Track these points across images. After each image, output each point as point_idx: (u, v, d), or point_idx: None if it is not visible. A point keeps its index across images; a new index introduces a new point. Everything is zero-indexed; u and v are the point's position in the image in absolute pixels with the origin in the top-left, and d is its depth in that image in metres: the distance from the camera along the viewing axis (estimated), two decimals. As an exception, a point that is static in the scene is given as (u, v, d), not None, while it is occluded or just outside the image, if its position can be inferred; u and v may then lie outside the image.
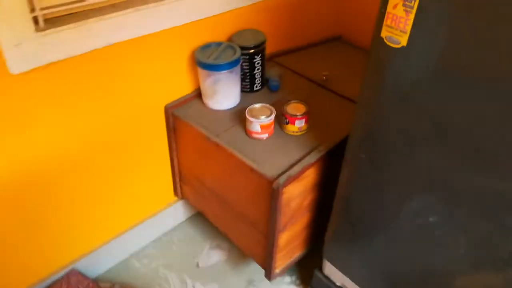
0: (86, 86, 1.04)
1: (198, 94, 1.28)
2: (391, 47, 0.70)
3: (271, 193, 0.98)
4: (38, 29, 0.90)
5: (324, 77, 1.33)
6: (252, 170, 1.02)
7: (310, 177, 1.04)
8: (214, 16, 1.21)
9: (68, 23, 0.94)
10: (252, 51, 1.21)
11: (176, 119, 1.22)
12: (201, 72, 1.18)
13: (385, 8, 0.69)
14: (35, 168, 1.04)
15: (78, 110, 1.05)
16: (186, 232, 1.52)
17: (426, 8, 0.63)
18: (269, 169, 1.01)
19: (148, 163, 1.30)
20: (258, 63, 1.24)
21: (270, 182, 0.98)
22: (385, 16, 0.69)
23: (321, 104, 1.21)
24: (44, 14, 0.92)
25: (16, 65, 0.89)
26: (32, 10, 0.89)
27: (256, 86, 1.29)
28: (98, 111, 1.10)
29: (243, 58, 1.21)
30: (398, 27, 0.68)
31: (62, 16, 0.97)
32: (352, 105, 1.23)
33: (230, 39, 1.27)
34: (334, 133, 1.11)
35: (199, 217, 1.56)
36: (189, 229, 1.53)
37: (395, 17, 0.68)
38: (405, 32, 0.67)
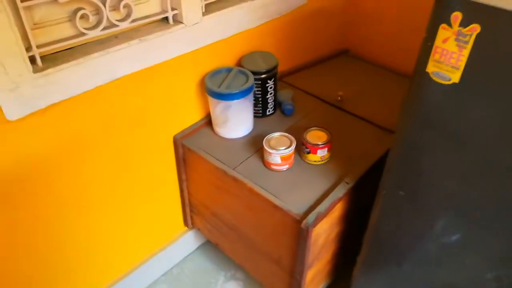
0: (91, 124, 0.96)
1: (207, 122, 1.20)
2: (439, 83, 0.64)
3: (298, 231, 0.91)
4: (35, 69, 0.82)
5: (339, 98, 1.26)
6: (275, 206, 0.94)
7: (337, 211, 0.97)
8: (221, 40, 1.14)
9: (69, 60, 0.86)
10: (264, 75, 1.14)
11: (186, 150, 1.14)
12: (212, 100, 1.11)
13: (433, 41, 0.62)
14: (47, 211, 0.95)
15: (86, 150, 0.97)
16: (198, 263, 1.44)
17: (484, 44, 0.57)
18: (294, 205, 0.94)
19: (157, 194, 1.22)
20: (271, 87, 1.17)
21: (297, 220, 0.90)
22: (433, 51, 0.62)
23: (339, 128, 1.15)
24: (42, 52, 0.83)
25: (13, 111, 0.80)
26: (28, 48, 0.80)
27: (269, 111, 1.22)
28: (105, 149, 1.01)
29: (255, 83, 1.13)
30: (449, 63, 0.61)
31: (61, 51, 0.88)
32: (372, 127, 1.16)
33: (239, 63, 1.20)
34: (358, 160, 1.04)
35: (210, 246, 1.48)
36: (200, 259, 1.45)
37: (445, 52, 0.61)
38: (457, 68, 0.61)
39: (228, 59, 1.21)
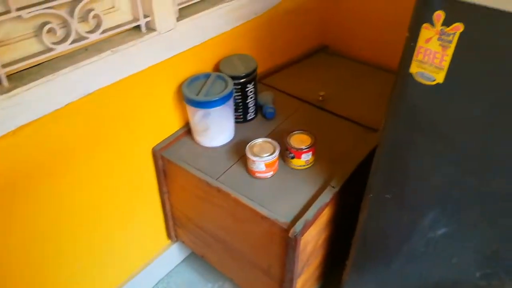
0: (65, 142, 0.91)
1: (187, 131, 1.17)
2: (423, 84, 0.62)
3: (286, 240, 0.89)
4: (2, 90, 0.77)
5: (321, 98, 1.24)
6: (261, 216, 0.92)
7: (325, 216, 0.96)
8: (197, 45, 1.10)
9: (37, 77, 0.81)
10: (243, 80, 1.11)
11: (166, 162, 1.10)
12: (190, 108, 1.07)
13: (416, 41, 0.60)
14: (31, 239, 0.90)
15: (60, 169, 0.92)
16: (184, 276, 1.41)
17: (468, 43, 0.56)
18: (281, 213, 0.91)
19: (138, 208, 1.18)
20: (251, 91, 1.14)
21: (285, 229, 0.88)
22: (416, 51, 0.61)
23: (322, 129, 1.13)
24: (8, 72, 0.78)
25: (-21, 134, 0.75)
26: (-6, 68, 0.75)
27: (250, 115, 1.19)
28: (81, 166, 0.96)
29: (234, 88, 1.10)
30: (433, 63, 0.60)
31: (29, 69, 0.83)
32: (355, 126, 1.15)
33: (217, 68, 1.17)
34: (343, 162, 1.03)
35: (196, 258, 1.44)
36: (187, 272, 1.42)
37: (428, 52, 0.60)
38: (441, 69, 0.59)
39: (205, 64, 1.17)
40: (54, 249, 0.99)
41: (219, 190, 0.99)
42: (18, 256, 0.92)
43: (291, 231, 0.86)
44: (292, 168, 1.03)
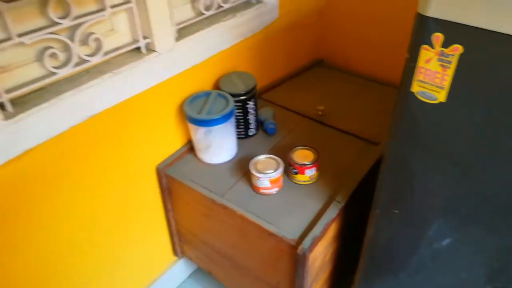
0: (69, 164, 0.91)
1: (190, 148, 1.17)
2: (425, 102, 0.63)
3: (294, 257, 0.89)
4: (6, 116, 0.77)
5: (320, 112, 1.25)
6: (269, 233, 0.92)
7: (331, 231, 0.96)
8: (196, 64, 1.11)
9: (40, 102, 0.82)
10: (244, 97, 1.12)
11: (170, 180, 1.11)
12: (193, 126, 1.08)
13: (416, 62, 0.61)
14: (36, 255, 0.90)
15: (65, 190, 0.92)
16: (190, 291, 1.40)
17: (468, 64, 0.57)
18: (288, 230, 0.91)
19: (144, 227, 1.18)
20: (251, 108, 1.15)
21: (293, 246, 0.88)
22: (416, 71, 0.62)
23: (324, 143, 1.14)
24: (11, 97, 0.79)
25: (-15, 162, 0.75)
26: (-4, 96, 0.76)
27: (251, 131, 1.20)
28: (86, 187, 0.97)
29: (235, 106, 1.11)
30: (434, 83, 0.61)
31: (31, 94, 0.84)
32: (356, 140, 1.16)
33: (217, 86, 1.17)
34: (346, 177, 1.03)
35: (202, 273, 1.44)
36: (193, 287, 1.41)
37: (429, 72, 0.60)
38: (442, 88, 0.60)
39: (205, 83, 1.18)
40: (64, 266, 0.99)
41: (224, 208, 0.99)
42: (29, 277, 0.92)
43: (300, 247, 0.86)
44: (296, 184, 1.03)
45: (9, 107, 0.78)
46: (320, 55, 1.63)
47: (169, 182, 1.12)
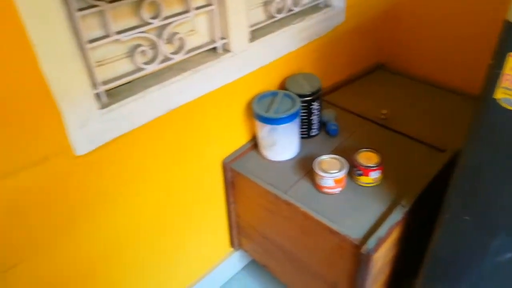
0: (148, 154, 0.99)
1: (254, 145, 1.22)
2: (509, 109, 0.63)
3: (357, 256, 0.91)
4: (101, 105, 0.85)
5: (383, 116, 1.26)
6: (332, 231, 0.95)
7: (394, 234, 0.97)
8: (264, 65, 1.16)
9: (129, 94, 0.89)
10: (309, 98, 1.15)
11: (235, 174, 1.16)
12: (260, 124, 1.12)
13: (501, 69, 0.62)
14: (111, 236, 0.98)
15: (142, 178, 1.00)
16: (244, 284, 1.45)
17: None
18: (351, 229, 0.94)
19: (205, 218, 1.24)
20: (315, 109, 1.18)
21: (356, 245, 0.90)
22: (501, 78, 0.62)
23: (387, 147, 1.14)
24: (106, 89, 0.87)
25: (81, 147, 0.84)
26: (94, 86, 0.84)
27: (313, 132, 1.23)
28: (161, 176, 1.04)
29: (300, 106, 1.14)
30: (521, 90, 0.61)
31: (120, 86, 0.91)
32: (420, 146, 1.16)
33: (282, 86, 1.22)
34: (411, 182, 1.04)
35: (255, 266, 1.49)
36: (246, 281, 1.46)
37: (516, 79, 0.61)
38: (530, 96, 0.60)
39: (271, 83, 1.23)
40: (131, 254, 1.07)
41: (288, 204, 1.03)
42: (100, 260, 1.00)
43: (364, 247, 0.88)
44: (359, 185, 1.05)
45: (104, 98, 0.86)
46: (381, 58, 1.63)
47: (233, 176, 1.17)
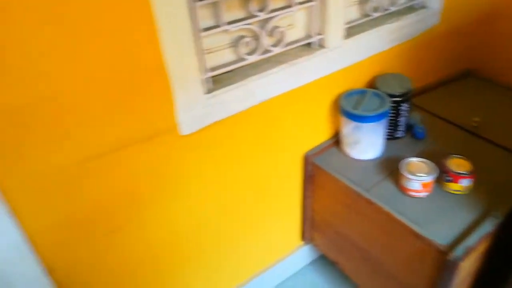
0: (239, 140, 1.03)
1: (335, 142, 1.23)
2: None
3: (442, 263, 0.90)
4: (208, 90, 0.91)
5: (475, 124, 1.21)
6: (416, 234, 0.94)
7: (483, 245, 0.94)
8: (356, 63, 1.16)
9: (231, 82, 0.94)
10: (399, 98, 1.14)
11: (316, 168, 1.18)
12: (346, 121, 1.13)
13: None
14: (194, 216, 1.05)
15: (231, 163, 1.05)
16: (310, 278, 1.47)
17: None
18: (437, 234, 0.92)
19: (278, 209, 1.27)
20: (404, 110, 1.16)
21: (442, 251, 0.89)
22: None
23: (478, 156, 1.10)
24: (211, 75, 0.92)
25: (186, 127, 0.90)
26: (202, 72, 0.89)
27: (399, 133, 1.21)
28: (246, 162, 1.09)
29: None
30: None
31: (222, 75, 0.97)
32: (514, 157, 1.10)
33: (371, 85, 1.21)
34: (504, 193, 0.99)
35: (322, 262, 1.50)
36: (313, 275, 1.48)
37: None
38: None
39: (359, 81, 1.23)
40: (212, 234, 1.13)
41: (369, 202, 1.03)
42: (184, 233, 1.07)
43: (451, 254, 0.87)
44: (447, 192, 1.02)
45: (210, 83, 0.92)
46: (472, 63, 1.56)
47: (314, 170, 1.19)
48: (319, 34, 1.06)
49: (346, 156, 1.19)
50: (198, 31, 0.85)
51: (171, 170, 0.94)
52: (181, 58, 0.81)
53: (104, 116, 0.78)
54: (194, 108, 0.88)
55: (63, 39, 0.68)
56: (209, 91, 0.91)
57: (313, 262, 1.51)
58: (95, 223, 0.88)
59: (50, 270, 0.86)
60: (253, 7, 0.92)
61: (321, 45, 1.08)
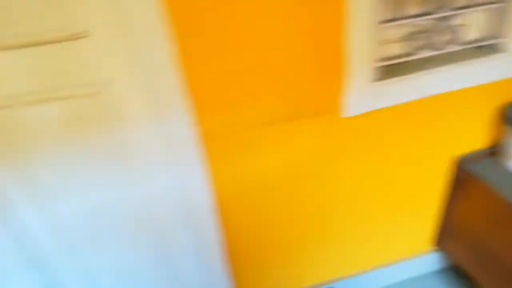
0: (393, 132, 1.07)
1: (492, 152, 1.17)
2: None
3: None
4: (376, 79, 0.96)
5: None
6: None
7: None
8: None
9: (398, 74, 0.98)
10: None
11: (468, 175, 1.14)
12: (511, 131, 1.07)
13: None
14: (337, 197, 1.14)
15: (382, 151, 1.10)
16: (432, 285, 1.43)
17: None
18: None
19: (416, 206, 1.27)
20: None
21: None
22: None
23: None
24: (382, 65, 0.97)
25: (350, 110, 0.97)
26: (376, 61, 0.95)
27: None
28: (396, 154, 1.12)
29: None
30: None
31: (390, 66, 1.01)
32: None
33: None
34: None
35: (451, 273, 1.44)
36: (435, 282, 1.43)
37: None
38: None
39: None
40: (359, 215, 1.19)
41: (526, 219, 0.97)
42: (333, 207, 1.15)
43: None
44: None
45: (380, 72, 0.97)
46: None
47: (465, 177, 1.16)
48: (499, 37, 1.03)
49: (505, 168, 1.13)
50: (379, 23, 0.91)
51: (329, 148, 1.03)
52: (362, 44, 0.89)
53: (284, 88, 0.90)
54: (362, 93, 0.95)
55: (272, 27, 0.81)
56: (378, 79, 0.96)
57: (440, 271, 1.47)
58: (265, 185, 1.03)
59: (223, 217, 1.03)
60: (432, 4, 0.94)
61: (498, 49, 1.04)
